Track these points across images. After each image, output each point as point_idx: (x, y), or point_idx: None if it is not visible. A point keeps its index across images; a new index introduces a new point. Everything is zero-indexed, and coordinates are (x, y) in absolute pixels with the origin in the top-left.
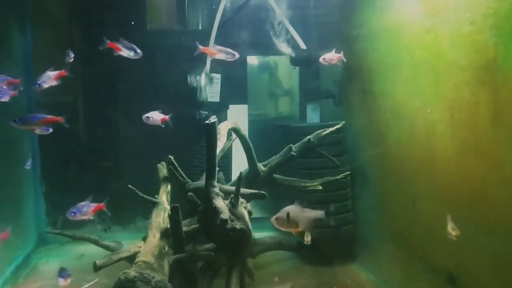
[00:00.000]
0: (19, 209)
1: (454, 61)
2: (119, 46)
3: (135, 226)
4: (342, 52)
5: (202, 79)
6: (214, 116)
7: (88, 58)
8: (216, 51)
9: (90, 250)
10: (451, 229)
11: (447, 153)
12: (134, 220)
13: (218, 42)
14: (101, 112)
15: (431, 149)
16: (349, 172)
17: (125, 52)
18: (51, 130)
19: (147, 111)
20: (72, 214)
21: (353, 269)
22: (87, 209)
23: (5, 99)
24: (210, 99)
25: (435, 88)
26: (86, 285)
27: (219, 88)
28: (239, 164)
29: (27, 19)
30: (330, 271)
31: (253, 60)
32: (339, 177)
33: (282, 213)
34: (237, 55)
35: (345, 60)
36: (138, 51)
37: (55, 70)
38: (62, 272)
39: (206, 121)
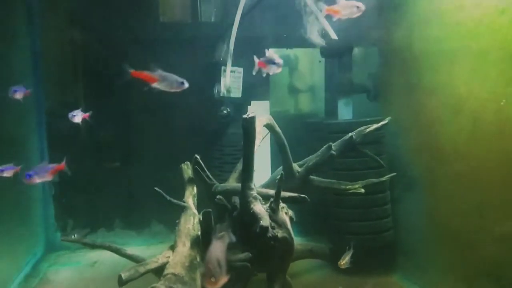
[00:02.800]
0: (26, 213)
1: None
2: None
3: (150, 231)
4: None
5: (223, 73)
6: (252, 111)
7: (98, 53)
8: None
9: (104, 257)
10: None
11: None
12: (149, 224)
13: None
14: (113, 110)
15: (505, 149)
16: (394, 174)
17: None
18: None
19: (163, 109)
20: (28, 177)
21: (394, 281)
22: (45, 170)
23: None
24: (232, 95)
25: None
26: None
27: (241, 83)
28: (260, 165)
29: (35, 14)
30: (367, 283)
31: (275, 55)
32: (384, 178)
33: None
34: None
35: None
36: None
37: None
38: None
39: (244, 116)
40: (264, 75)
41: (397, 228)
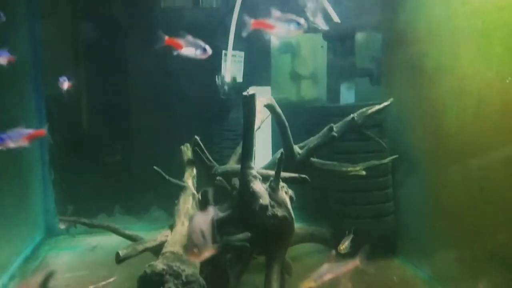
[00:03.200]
0: (26, 198)
1: None
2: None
3: (150, 217)
4: None
5: (224, 57)
6: (252, 88)
7: (99, 38)
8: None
9: (103, 242)
10: None
11: None
12: (149, 210)
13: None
14: (114, 94)
15: (511, 128)
16: (396, 156)
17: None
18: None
19: (164, 95)
20: (0, 141)
21: (396, 264)
22: (20, 135)
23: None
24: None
25: None
26: (104, 283)
27: (242, 67)
28: (262, 149)
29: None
30: (369, 266)
31: (274, 39)
32: (386, 160)
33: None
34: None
35: None
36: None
37: None
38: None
39: (244, 93)
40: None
41: (398, 212)
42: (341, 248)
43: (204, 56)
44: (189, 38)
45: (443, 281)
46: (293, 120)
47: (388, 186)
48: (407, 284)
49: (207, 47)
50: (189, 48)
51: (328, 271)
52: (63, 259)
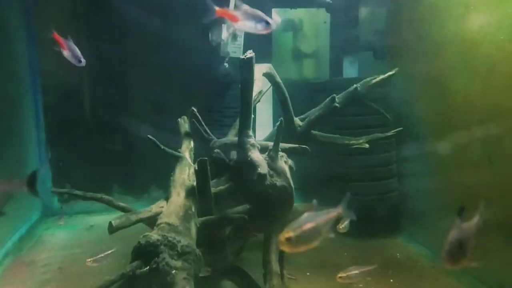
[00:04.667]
0: (21, 177)
1: None
2: None
3: (148, 196)
4: None
5: (224, 33)
6: (251, 51)
7: (95, 18)
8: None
9: (100, 221)
10: None
11: None
12: (148, 190)
13: None
14: (111, 71)
15: None
16: (401, 128)
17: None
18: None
19: (162, 72)
20: None
21: (399, 242)
22: None
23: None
24: (232, 55)
25: None
26: (102, 255)
27: (242, 43)
28: (263, 123)
29: None
30: (373, 245)
31: (276, 16)
32: (390, 133)
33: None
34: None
35: None
36: None
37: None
38: None
39: (242, 56)
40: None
41: (402, 189)
42: (340, 227)
43: (266, 31)
44: (246, 8)
45: None
46: (296, 97)
47: (392, 162)
48: (410, 261)
49: (270, 20)
50: (247, 22)
51: (308, 220)
52: (59, 237)
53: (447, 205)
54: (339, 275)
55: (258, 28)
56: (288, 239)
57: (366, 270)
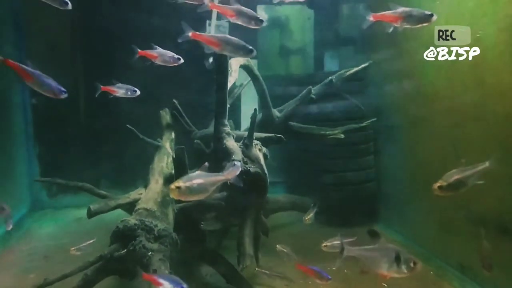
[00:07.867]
0: (10, 171)
1: None
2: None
3: (135, 189)
4: None
5: (208, 29)
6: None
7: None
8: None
9: None
10: None
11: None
12: (135, 183)
13: None
14: (99, 65)
15: (481, 80)
16: (375, 119)
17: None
18: None
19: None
20: None
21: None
22: None
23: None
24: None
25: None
26: (85, 244)
27: None
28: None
29: None
30: (351, 233)
31: (262, 13)
32: (364, 123)
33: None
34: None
35: None
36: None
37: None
38: None
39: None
40: None
41: (379, 179)
42: (306, 219)
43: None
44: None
45: (421, 243)
46: (277, 93)
47: (369, 153)
48: None
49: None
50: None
51: (198, 177)
52: (47, 230)
53: (417, 194)
54: (324, 244)
55: (251, 23)
56: (178, 188)
57: (347, 241)
